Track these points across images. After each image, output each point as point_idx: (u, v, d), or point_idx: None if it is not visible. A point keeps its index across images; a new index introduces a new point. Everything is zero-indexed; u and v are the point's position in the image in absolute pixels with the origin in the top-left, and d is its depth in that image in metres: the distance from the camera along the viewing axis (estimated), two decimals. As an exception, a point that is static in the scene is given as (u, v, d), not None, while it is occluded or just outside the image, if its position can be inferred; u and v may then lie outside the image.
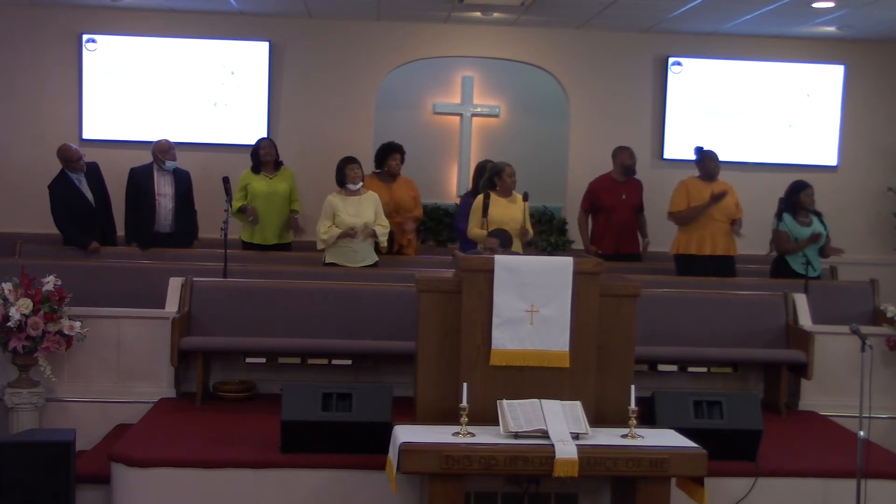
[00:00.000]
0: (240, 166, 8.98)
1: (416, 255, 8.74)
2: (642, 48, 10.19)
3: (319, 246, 7.78)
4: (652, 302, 6.56)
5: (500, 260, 5.06)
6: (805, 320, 6.95)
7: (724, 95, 10.24)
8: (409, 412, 5.30)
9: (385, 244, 7.96)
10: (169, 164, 8.48)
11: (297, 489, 5.13)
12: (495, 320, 5.02)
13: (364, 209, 7.75)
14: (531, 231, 7.83)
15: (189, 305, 6.62)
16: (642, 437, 4.80)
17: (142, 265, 7.58)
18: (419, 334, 5.18)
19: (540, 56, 10.27)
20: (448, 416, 4.95)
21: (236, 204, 8.53)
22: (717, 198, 8.18)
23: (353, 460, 5.15)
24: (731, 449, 5.25)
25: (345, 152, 8.37)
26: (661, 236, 9.14)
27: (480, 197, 7.62)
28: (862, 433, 5.12)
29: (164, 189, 8.48)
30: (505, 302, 5.01)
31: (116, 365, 6.55)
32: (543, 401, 4.85)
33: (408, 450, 4.59)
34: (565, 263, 5.07)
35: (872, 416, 5.77)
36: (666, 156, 10.18)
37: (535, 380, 5.03)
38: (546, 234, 10.13)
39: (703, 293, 7.22)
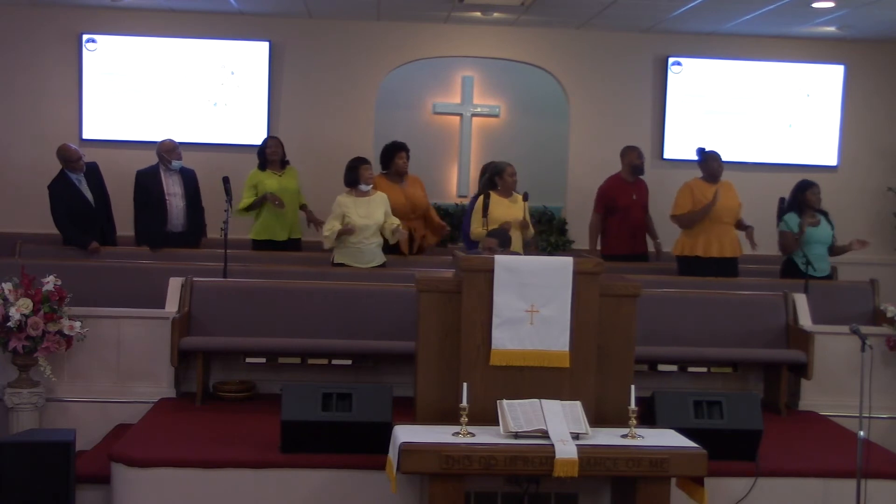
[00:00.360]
0: (240, 166, 8.98)
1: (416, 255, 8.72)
2: (642, 48, 10.20)
3: (326, 245, 7.76)
4: (652, 302, 6.55)
5: (500, 260, 5.06)
6: (805, 320, 6.95)
7: (724, 95, 10.24)
8: (409, 412, 5.30)
9: (394, 241, 7.92)
10: (175, 164, 8.49)
11: (297, 489, 5.13)
12: (495, 320, 5.02)
13: (374, 210, 7.73)
14: (531, 228, 7.84)
15: (189, 305, 6.62)
16: (642, 437, 4.79)
17: (142, 265, 7.58)
18: (419, 334, 5.18)
19: (540, 56, 10.27)
20: (448, 416, 4.95)
21: (248, 200, 8.56)
22: (716, 197, 8.16)
23: (353, 460, 5.15)
24: (731, 449, 5.24)
25: (345, 152, 8.38)
26: (662, 236, 9.14)
27: (481, 197, 7.64)
28: (862, 433, 5.12)
29: (173, 189, 8.48)
30: (505, 302, 5.01)
31: (116, 365, 6.55)
32: (543, 401, 4.85)
33: (408, 450, 4.59)
34: (565, 263, 5.07)
35: (872, 416, 5.77)
36: (666, 156, 10.18)
37: (535, 380, 5.03)
38: (546, 234, 10.13)
39: (703, 293, 7.21)
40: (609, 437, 4.81)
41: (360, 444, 5.15)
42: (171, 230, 8.43)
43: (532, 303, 5.03)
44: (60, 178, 8.31)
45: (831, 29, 9.62)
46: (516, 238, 7.52)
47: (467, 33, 10.19)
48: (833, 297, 7.54)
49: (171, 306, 6.65)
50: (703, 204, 8.20)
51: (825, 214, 8.18)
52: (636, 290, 5.24)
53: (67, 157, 8.28)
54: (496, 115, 11.61)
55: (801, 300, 7.08)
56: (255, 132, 9.74)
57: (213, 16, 9.84)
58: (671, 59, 10.19)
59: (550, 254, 9.40)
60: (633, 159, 9.05)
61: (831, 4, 8.62)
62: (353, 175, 7.80)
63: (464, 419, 4.74)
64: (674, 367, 6.76)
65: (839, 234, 8.49)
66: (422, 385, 5.17)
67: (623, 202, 8.95)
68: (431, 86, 11.49)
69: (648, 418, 5.26)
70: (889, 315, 6.96)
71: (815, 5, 8.68)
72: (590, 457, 4.60)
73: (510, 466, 4.61)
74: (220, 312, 6.65)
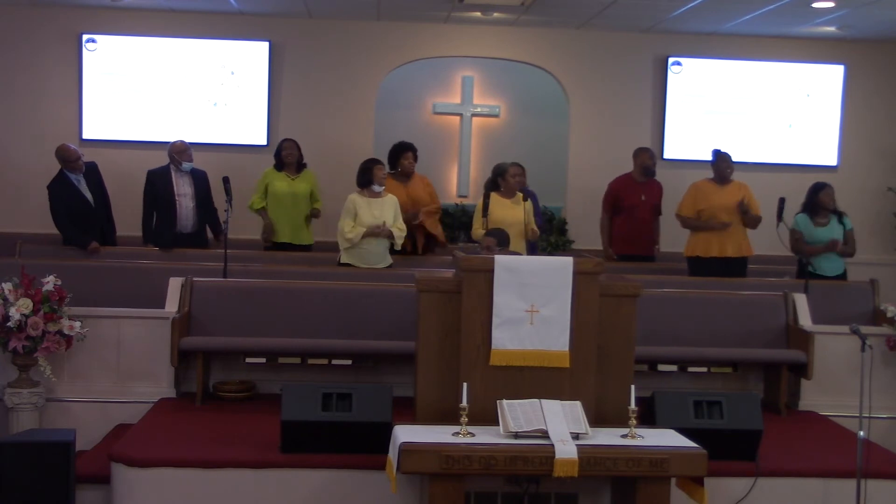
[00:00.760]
0: (240, 166, 9.00)
1: (417, 255, 8.73)
2: (642, 48, 10.20)
3: (343, 245, 7.71)
4: (652, 302, 6.55)
5: (500, 260, 5.06)
6: (805, 320, 6.95)
7: (724, 95, 10.25)
8: (409, 412, 5.29)
9: (399, 247, 7.94)
10: (186, 165, 8.49)
11: (297, 489, 5.13)
12: (495, 320, 5.02)
13: (385, 211, 7.72)
14: (537, 230, 7.84)
15: (189, 305, 6.62)
16: (642, 437, 4.79)
17: (142, 265, 7.58)
18: (419, 334, 5.18)
19: (540, 56, 10.27)
20: (448, 416, 4.95)
21: (258, 203, 8.60)
22: (725, 224, 8.17)
23: (353, 460, 5.15)
24: (731, 449, 5.24)
25: (345, 152, 8.39)
26: (668, 236, 9.14)
27: (482, 197, 7.65)
28: (862, 433, 5.12)
29: (183, 189, 8.48)
30: (505, 302, 5.01)
31: (116, 365, 6.54)
32: (543, 401, 4.85)
33: (408, 450, 4.59)
34: (565, 263, 5.07)
35: (872, 416, 5.76)
36: (666, 156, 10.18)
37: (535, 380, 5.03)
38: (546, 234, 10.13)
39: (703, 293, 7.21)
40: (609, 437, 4.80)
41: (360, 444, 5.15)
42: (180, 231, 8.44)
43: (532, 303, 5.03)
44: (59, 178, 8.32)
45: (831, 29, 9.62)
46: (518, 245, 7.50)
47: (467, 33, 10.19)
48: (833, 297, 7.54)
49: (171, 306, 6.65)
50: (705, 204, 8.20)
51: (840, 216, 8.14)
52: (636, 290, 5.24)
53: (66, 157, 8.28)
54: (496, 115, 11.61)
55: (801, 300, 7.07)
56: (255, 132, 9.74)
57: (213, 16, 9.84)
58: (671, 59, 10.19)
59: (550, 254, 9.42)
60: (644, 160, 9.04)
61: (831, 4, 8.62)
62: (367, 176, 7.78)
63: (464, 419, 4.74)
64: (674, 367, 6.76)
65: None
66: (422, 385, 5.17)
67: (629, 202, 8.94)
68: (431, 86, 11.49)
69: (648, 418, 5.26)
70: (889, 315, 6.96)
71: (815, 5, 8.68)
72: (590, 457, 4.60)
73: (510, 466, 4.61)
74: (220, 312, 6.65)
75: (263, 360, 6.60)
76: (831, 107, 10.30)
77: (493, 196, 7.84)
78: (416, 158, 8.65)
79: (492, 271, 5.02)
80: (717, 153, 8.45)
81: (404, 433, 4.75)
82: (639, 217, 8.95)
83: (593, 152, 10.07)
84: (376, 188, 7.74)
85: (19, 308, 6.10)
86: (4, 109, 9.78)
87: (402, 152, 8.61)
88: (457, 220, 10.32)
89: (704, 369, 6.84)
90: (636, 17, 9.46)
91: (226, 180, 7.78)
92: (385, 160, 8.59)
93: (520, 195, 7.84)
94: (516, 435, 4.70)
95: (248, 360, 6.62)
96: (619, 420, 4.94)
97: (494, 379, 5.02)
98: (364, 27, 10.03)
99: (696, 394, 5.48)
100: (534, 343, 5.03)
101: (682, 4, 8.82)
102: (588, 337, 5.09)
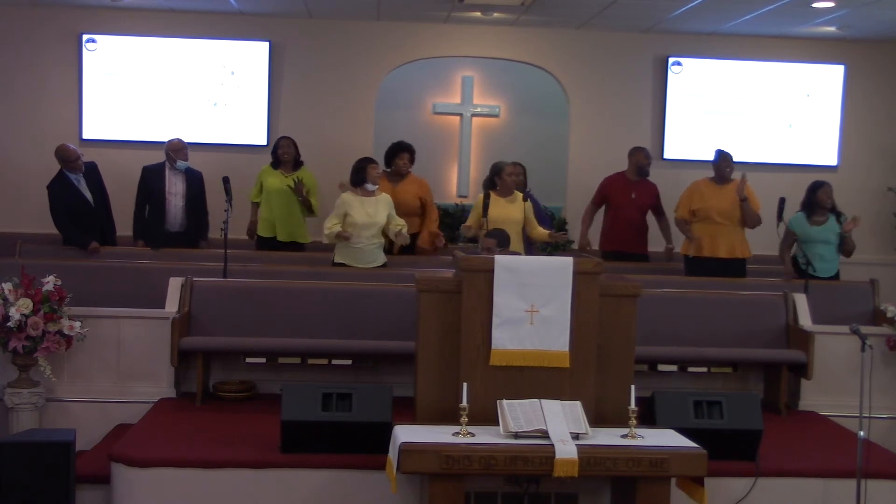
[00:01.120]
0: (240, 166, 8.99)
1: (417, 255, 8.73)
2: (642, 48, 10.20)
3: (324, 240, 7.79)
4: (652, 302, 6.55)
5: (500, 260, 5.06)
6: (805, 320, 6.95)
7: (724, 95, 10.24)
8: (409, 412, 5.30)
9: (408, 241, 7.92)
10: (180, 164, 8.48)
11: (297, 489, 5.13)
12: (495, 320, 5.02)
13: (379, 210, 7.72)
14: (546, 232, 7.79)
15: (189, 305, 6.62)
16: (642, 437, 4.79)
17: (142, 265, 7.58)
18: (419, 334, 5.18)
19: (540, 56, 10.27)
20: (448, 416, 4.95)
21: (253, 197, 8.65)
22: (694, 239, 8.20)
23: (353, 460, 5.15)
24: (731, 449, 5.24)
25: (345, 152, 8.39)
26: (659, 235, 9.14)
27: (481, 196, 7.64)
28: (862, 433, 5.12)
29: (175, 188, 8.49)
30: (505, 302, 5.01)
31: (116, 365, 6.54)
32: (543, 401, 4.85)
33: (408, 450, 4.59)
34: (565, 263, 5.07)
35: (872, 416, 5.76)
36: (666, 156, 10.18)
37: (535, 380, 5.03)
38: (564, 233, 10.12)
39: (704, 293, 7.21)
40: (609, 437, 4.81)
41: (360, 444, 5.15)
42: (168, 229, 8.44)
43: (532, 303, 5.03)
44: (59, 178, 8.31)
45: (831, 29, 9.62)
46: (516, 245, 7.49)
47: (467, 33, 10.19)
48: (833, 297, 7.54)
49: (171, 306, 6.65)
50: (701, 204, 8.21)
51: (838, 215, 8.14)
52: (636, 290, 5.24)
53: (66, 157, 8.27)
54: (496, 115, 11.62)
55: (801, 300, 7.07)
56: (255, 132, 9.74)
57: (213, 16, 9.84)
58: (671, 59, 10.19)
59: (550, 254, 9.41)
60: (639, 159, 9.05)
61: (831, 4, 8.62)
62: (361, 175, 7.77)
63: (464, 419, 4.74)
64: (674, 367, 6.76)
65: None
66: (422, 385, 5.17)
67: (617, 200, 8.95)
68: (431, 86, 11.50)
69: (648, 418, 5.26)
70: (889, 315, 6.96)
71: (815, 5, 8.68)
72: (590, 457, 4.60)
73: (510, 466, 4.61)
74: (220, 312, 6.65)
75: (263, 360, 6.60)
76: (831, 107, 10.30)
77: (491, 195, 7.82)
78: (412, 160, 8.60)
79: (492, 271, 5.02)
80: (719, 153, 8.44)
81: (404, 433, 4.75)
82: (626, 216, 8.95)
83: (593, 152, 10.07)
84: (369, 187, 7.74)
85: (19, 308, 6.10)
86: (4, 109, 9.77)
87: (398, 152, 8.58)
88: (457, 220, 10.32)
89: (704, 369, 6.84)
90: (636, 17, 9.46)
91: (226, 180, 7.78)
92: (384, 160, 8.61)
93: (518, 195, 7.82)
94: (516, 435, 4.70)
95: (248, 360, 6.62)
96: (619, 420, 4.94)
97: (494, 379, 5.02)
98: (364, 27, 10.03)
99: (696, 394, 5.49)
100: (534, 343, 5.03)
101: (682, 4, 8.82)
102: (588, 337, 5.09)
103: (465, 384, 4.82)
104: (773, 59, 10.23)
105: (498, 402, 4.84)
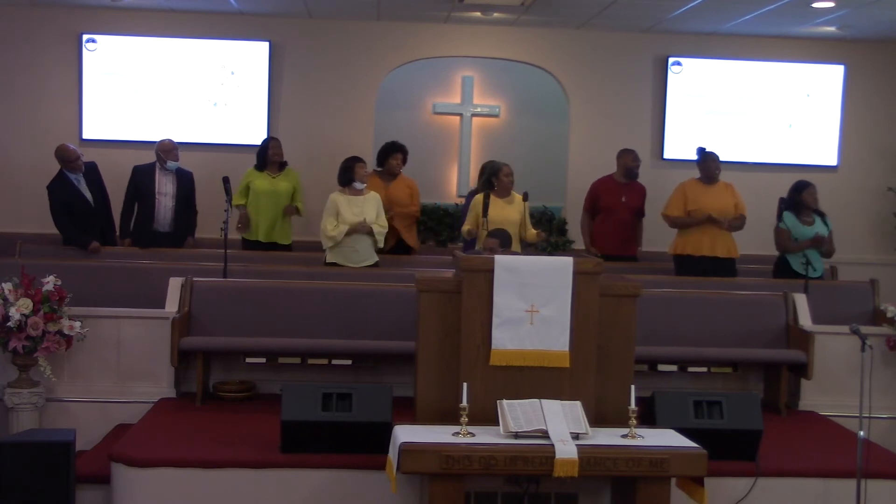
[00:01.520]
0: (240, 166, 8.98)
1: (417, 254, 8.75)
2: (642, 48, 10.19)
3: (326, 244, 7.75)
4: (652, 302, 6.56)
5: (500, 260, 5.07)
6: (805, 320, 6.95)
7: (724, 95, 10.24)
8: (409, 412, 5.30)
9: (382, 244, 7.95)
10: (171, 164, 8.49)
11: (297, 489, 5.13)
12: (495, 320, 5.02)
13: (367, 209, 7.74)
14: (532, 232, 7.81)
15: (189, 305, 6.62)
16: (642, 437, 4.80)
17: (142, 265, 7.59)
18: (419, 334, 5.18)
19: (540, 56, 10.27)
20: (448, 416, 4.95)
21: (237, 200, 8.55)
22: (712, 219, 8.18)
23: (353, 460, 5.15)
24: (731, 449, 5.24)
25: (345, 152, 8.37)
26: (662, 236, 9.13)
27: (479, 196, 7.64)
28: (862, 433, 5.12)
29: (164, 188, 8.49)
30: (505, 302, 5.01)
31: (116, 365, 6.54)
32: (543, 401, 4.85)
33: (408, 450, 4.59)
34: (565, 263, 5.07)
35: (872, 416, 5.77)
36: (666, 156, 10.18)
37: (535, 380, 5.03)
38: (546, 234, 10.12)
39: (703, 293, 7.21)
40: (609, 437, 4.81)
41: (360, 444, 5.15)
42: (157, 229, 8.44)
43: (532, 303, 5.03)
44: (59, 178, 8.32)
45: (831, 29, 9.62)
46: (515, 243, 7.50)
47: (467, 33, 10.19)
48: (833, 297, 7.54)
49: (171, 306, 6.65)
50: (695, 205, 8.22)
51: (822, 215, 8.17)
52: (636, 290, 5.25)
53: (66, 157, 8.28)
54: (496, 115, 11.61)
55: (801, 300, 7.08)
56: (255, 132, 9.73)
57: (213, 16, 9.83)
58: (671, 59, 10.19)
59: (550, 254, 9.41)
60: (627, 162, 9.06)
61: (831, 4, 8.62)
62: (349, 174, 7.81)
63: (464, 419, 4.74)
64: (674, 367, 6.76)
65: (838, 235, 8.49)
66: (422, 385, 5.17)
67: (608, 202, 8.95)
68: (431, 86, 11.49)
69: (648, 418, 5.26)
70: (889, 315, 6.96)
71: (815, 5, 8.68)
72: (590, 457, 4.60)
73: (510, 466, 4.61)
74: (220, 312, 6.65)
75: (263, 360, 6.60)
76: (831, 107, 10.29)
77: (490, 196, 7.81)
78: (405, 161, 8.68)
79: (492, 271, 5.02)
80: (704, 152, 8.46)
81: (404, 433, 4.75)
82: (617, 218, 8.95)
83: (593, 152, 10.06)
84: (357, 185, 7.76)
85: (19, 308, 6.10)
86: (4, 109, 9.77)
87: (391, 152, 8.66)
88: (457, 220, 10.30)
89: (704, 369, 6.85)
90: (636, 17, 9.46)
91: (225, 180, 7.78)
92: (377, 159, 8.63)
93: (515, 196, 7.82)
94: (516, 435, 4.70)
95: (248, 360, 6.62)
96: (619, 420, 4.94)
97: (494, 379, 5.02)
98: (364, 27, 10.03)
99: (696, 394, 5.48)
100: (534, 343, 5.03)
101: (682, 4, 8.82)
102: (588, 337, 5.09)
103: (465, 384, 4.82)
104: (773, 59, 10.23)
105: (498, 402, 4.84)
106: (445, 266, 7.58)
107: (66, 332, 6.23)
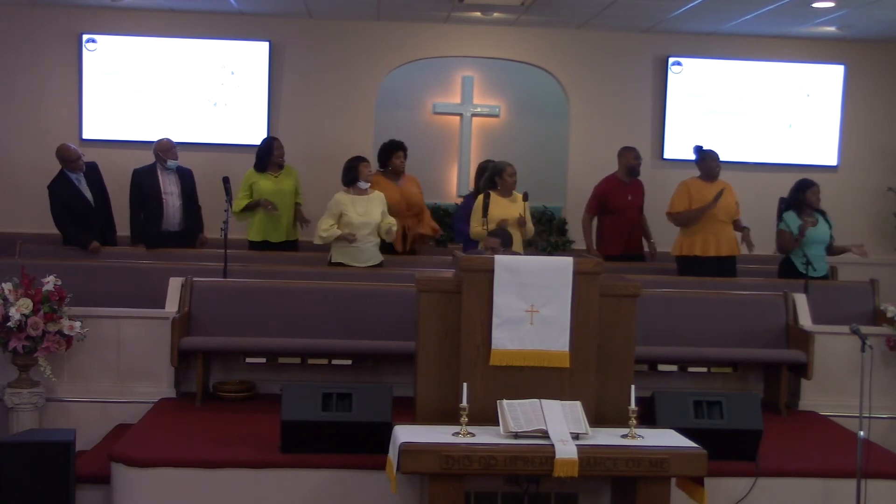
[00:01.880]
0: (240, 166, 8.98)
1: (417, 255, 8.74)
2: (642, 48, 10.20)
3: (316, 241, 7.79)
4: (652, 302, 6.55)
5: (500, 260, 5.07)
6: (805, 320, 6.95)
7: (724, 95, 10.24)
8: (409, 412, 5.30)
9: (392, 238, 7.93)
10: (171, 164, 8.48)
11: (297, 489, 5.13)
12: (495, 320, 5.02)
13: (372, 209, 7.74)
14: (531, 227, 7.83)
15: (189, 305, 6.62)
16: (642, 437, 4.80)
17: (142, 265, 7.58)
18: (419, 334, 5.18)
19: (540, 56, 10.27)
20: (448, 416, 4.95)
21: (242, 202, 8.53)
22: (718, 197, 8.16)
23: (353, 460, 5.15)
24: (731, 449, 5.24)
25: (345, 152, 8.37)
26: (662, 237, 9.13)
27: (481, 196, 7.63)
28: (862, 433, 5.12)
29: (169, 188, 8.48)
30: (505, 302, 5.01)
31: (116, 365, 6.54)
32: (543, 401, 4.85)
33: (408, 450, 4.59)
34: (565, 263, 5.07)
35: (872, 416, 5.77)
36: (666, 156, 10.18)
37: (535, 380, 5.03)
38: (546, 234, 10.13)
39: (704, 293, 7.21)
40: (609, 437, 4.81)
41: (360, 444, 5.15)
42: (167, 229, 8.44)
43: (532, 303, 5.03)
44: (60, 178, 8.32)
45: (831, 29, 9.62)
46: (515, 237, 7.51)
47: (467, 33, 10.19)
48: (833, 297, 7.54)
49: (171, 306, 6.65)
50: (700, 203, 8.21)
51: (823, 214, 8.17)
52: (636, 290, 5.24)
53: (66, 157, 8.28)
54: (496, 115, 11.61)
55: (801, 300, 7.08)
56: (255, 132, 9.73)
57: (213, 16, 9.84)
58: (671, 59, 10.19)
59: (550, 254, 9.41)
60: (629, 160, 9.05)
61: (831, 4, 8.62)
62: (353, 174, 7.80)
63: (464, 419, 4.74)
64: (674, 367, 6.76)
65: (839, 234, 8.49)
66: (422, 385, 5.17)
67: (617, 203, 8.94)
68: (431, 86, 11.49)
69: (648, 418, 5.26)
70: (889, 315, 6.96)
71: (815, 5, 8.68)
72: (590, 457, 4.60)
73: (510, 466, 4.61)
74: (220, 312, 6.65)
75: (263, 360, 6.60)
76: (831, 107, 10.29)
77: (491, 195, 7.82)
78: (406, 157, 8.68)
79: (492, 271, 5.02)
80: (703, 151, 8.45)
81: (404, 433, 4.75)
82: (627, 218, 8.95)
83: (593, 152, 10.06)
84: (362, 185, 7.75)
85: (19, 308, 6.10)
86: (4, 109, 9.77)
87: (393, 151, 8.66)
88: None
89: (704, 369, 6.85)
90: (636, 17, 9.46)
91: (226, 180, 7.78)
92: (378, 159, 8.62)
93: (517, 195, 7.82)
94: (516, 435, 4.70)
95: (248, 360, 6.62)
96: (619, 420, 4.94)
97: (494, 379, 5.02)
98: (364, 27, 10.03)
99: (696, 394, 5.48)
100: (534, 343, 5.03)
101: (682, 4, 8.82)
102: (588, 337, 5.09)
103: (465, 384, 4.82)
104: (773, 59, 10.23)
105: (498, 402, 4.84)
106: (445, 266, 7.57)
107: (66, 332, 6.23)
